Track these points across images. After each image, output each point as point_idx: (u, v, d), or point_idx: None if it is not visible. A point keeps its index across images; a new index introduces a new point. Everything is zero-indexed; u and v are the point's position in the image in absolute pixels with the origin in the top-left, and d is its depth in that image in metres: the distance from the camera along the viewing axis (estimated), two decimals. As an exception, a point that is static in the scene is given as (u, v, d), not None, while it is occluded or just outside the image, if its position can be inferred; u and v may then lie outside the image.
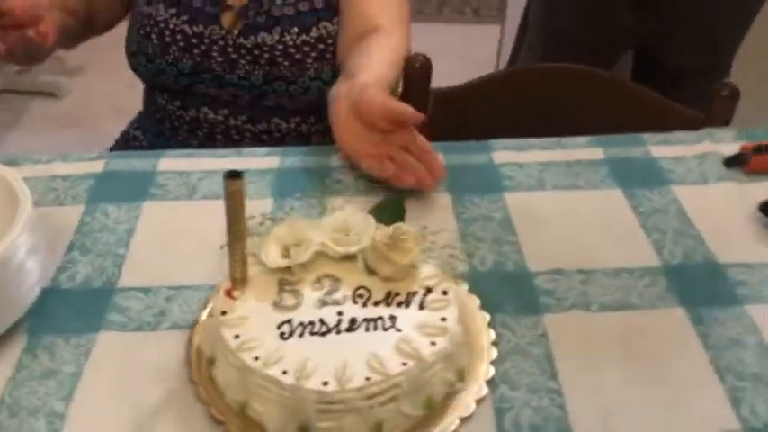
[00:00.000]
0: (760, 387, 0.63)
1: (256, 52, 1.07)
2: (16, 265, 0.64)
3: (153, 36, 1.09)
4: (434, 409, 0.60)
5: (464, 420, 0.60)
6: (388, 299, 0.64)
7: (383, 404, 0.57)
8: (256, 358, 0.57)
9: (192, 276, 0.73)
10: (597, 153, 0.93)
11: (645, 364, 0.66)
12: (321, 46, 1.07)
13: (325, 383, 0.55)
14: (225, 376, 0.60)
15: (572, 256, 0.77)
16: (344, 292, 0.64)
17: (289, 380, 0.55)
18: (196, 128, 1.15)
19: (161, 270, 0.74)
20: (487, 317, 0.69)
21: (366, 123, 0.83)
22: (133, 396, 0.62)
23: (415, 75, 1.10)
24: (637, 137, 0.95)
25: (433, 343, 0.60)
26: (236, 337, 0.59)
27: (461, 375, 0.63)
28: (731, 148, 0.92)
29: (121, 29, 1.17)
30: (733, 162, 0.90)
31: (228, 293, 0.62)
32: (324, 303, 0.62)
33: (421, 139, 0.83)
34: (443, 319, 0.62)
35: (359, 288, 0.64)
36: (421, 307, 0.63)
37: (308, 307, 0.62)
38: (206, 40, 1.09)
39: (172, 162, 0.91)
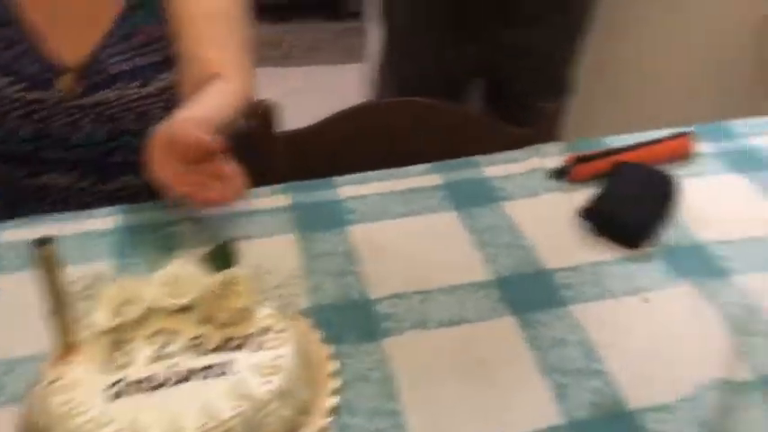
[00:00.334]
0: (582, 380, 0.68)
1: (98, 110, 1.07)
2: None
3: (-10, 106, 1.07)
4: (276, 447, 0.61)
5: (306, 453, 0.62)
6: (224, 345, 0.65)
7: (220, 449, 0.57)
8: (88, 422, 0.57)
9: (27, 347, 0.72)
10: (435, 179, 0.98)
11: (478, 374, 0.69)
12: (165, 96, 1.08)
13: (158, 438, 0.56)
14: (59, 445, 0.59)
15: (411, 279, 0.81)
16: (179, 344, 0.65)
17: (120, 440, 0.56)
18: (46, 195, 1.13)
19: (-2, 345, 0.73)
20: (330, 348, 0.72)
21: (179, 154, 0.84)
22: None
23: (259, 120, 1.13)
24: (471, 160, 1.01)
25: (268, 382, 0.61)
26: (66, 403, 0.58)
27: (305, 409, 0.65)
28: (557, 161, 0.99)
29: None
30: (557, 174, 0.97)
31: (58, 360, 0.62)
32: (157, 359, 0.63)
33: (227, 167, 0.84)
34: (279, 358, 0.64)
35: (194, 338, 0.65)
36: (257, 348, 0.65)
37: (140, 365, 0.62)
38: (45, 105, 1.08)
39: (11, 233, 0.90)
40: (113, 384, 0.60)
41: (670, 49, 1.91)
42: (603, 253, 0.84)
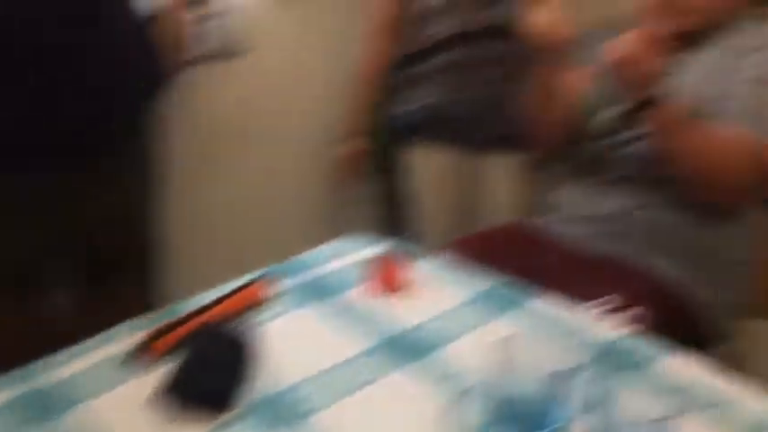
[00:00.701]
0: None
1: None
2: None
3: None
4: None
5: None
6: None
7: None
8: None
9: None
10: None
11: None
12: None
13: None
14: None
15: None
16: None
17: None
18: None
19: None
20: None
21: None
22: None
23: None
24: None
25: None
26: None
27: None
28: (131, 343, 0.94)
29: None
30: (133, 356, 0.92)
31: None
32: None
33: None
34: None
35: None
36: None
37: None
38: None
39: None
40: None
41: (248, 190, 2.03)
42: (193, 428, 0.81)
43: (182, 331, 0.96)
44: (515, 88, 1.62)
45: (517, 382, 0.76)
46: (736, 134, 1.34)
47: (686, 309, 1.41)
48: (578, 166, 1.56)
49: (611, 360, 0.93)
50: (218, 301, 1.04)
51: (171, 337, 0.95)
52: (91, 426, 0.81)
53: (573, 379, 0.78)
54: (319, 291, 1.09)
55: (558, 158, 1.62)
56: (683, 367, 0.92)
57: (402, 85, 1.84)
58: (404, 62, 1.81)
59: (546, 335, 1.01)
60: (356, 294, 1.08)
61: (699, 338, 1.39)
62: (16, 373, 0.89)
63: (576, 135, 1.54)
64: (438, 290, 1.10)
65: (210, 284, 1.08)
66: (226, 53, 1.84)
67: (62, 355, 0.93)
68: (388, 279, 1.10)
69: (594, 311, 1.00)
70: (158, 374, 0.88)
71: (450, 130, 1.84)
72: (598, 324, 0.98)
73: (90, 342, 0.96)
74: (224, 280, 1.08)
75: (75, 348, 0.94)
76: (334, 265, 1.17)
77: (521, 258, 1.40)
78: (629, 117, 1.44)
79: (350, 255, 1.20)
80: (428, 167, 2.09)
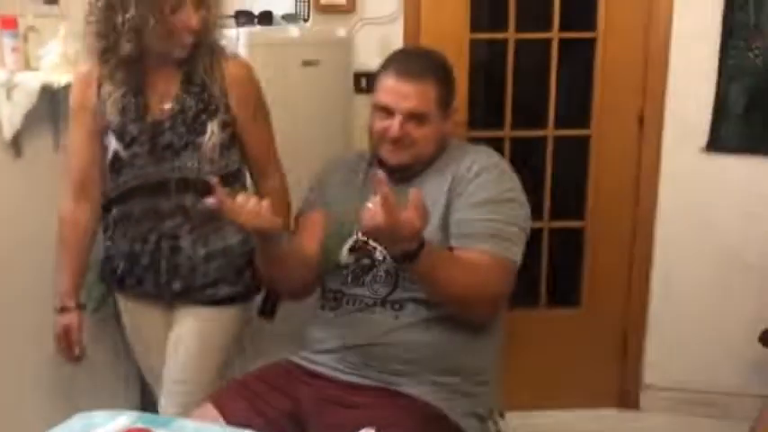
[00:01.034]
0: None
1: None
2: None
3: None
4: None
5: None
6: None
7: None
8: None
9: None
10: None
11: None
12: None
13: None
14: None
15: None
16: None
17: None
18: None
19: None
20: None
21: None
22: None
23: None
24: None
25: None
26: None
27: None
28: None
29: None
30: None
31: None
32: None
33: None
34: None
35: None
36: None
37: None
38: None
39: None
40: None
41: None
42: None
43: None
44: (200, 240, 1.66)
45: None
46: (479, 254, 1.52)
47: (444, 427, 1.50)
48: (325, 299, 1.66)
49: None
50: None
51: None
52: None
53: None
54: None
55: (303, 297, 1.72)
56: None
57: (105, 231, 1.75)
58: (104, 209, 1.73)
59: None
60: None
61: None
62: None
63: (320, 272, 1.66)
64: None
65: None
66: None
67: None
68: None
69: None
70: None
71: (139, 280, 1.72)
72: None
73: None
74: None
75: None
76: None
77: (287, 395, 1.51)
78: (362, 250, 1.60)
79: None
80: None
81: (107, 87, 1.62)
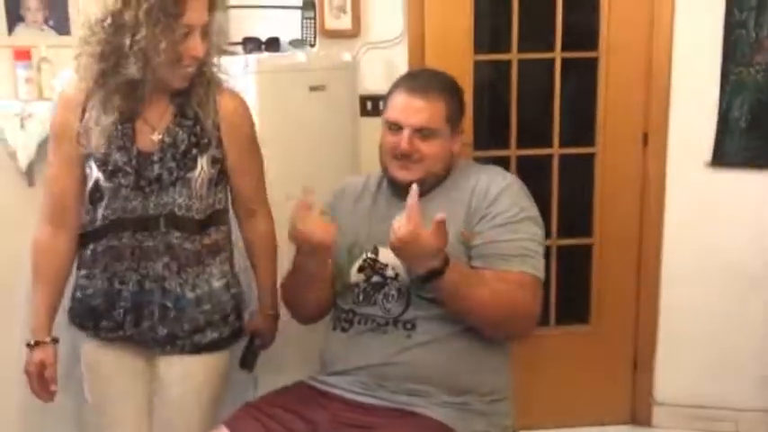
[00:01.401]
0: None
1: None
2: None
3: None
4: None
5: None
6: None
7: None
8: None
9: None
10: None
11: None
12: None
13: None
14: None
15: None
16: None
17: None
18: None
19: None
20: None
21: None
22: None
23: None
24: None
25: None
26: None
27: None
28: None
29: None
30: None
31: None
32: None
33: None
34: None
35: None
36: None
37: None
38: None
39: None
40: None
41: None
42: None
43: None
44: (188, 283, 1.56)
45: None
46: (507, 274, 1.53)
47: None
48: (337, 320, 1.67)
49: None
50: None
51: None
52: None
53: None
54: None
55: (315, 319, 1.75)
56: None
57: (79, 268, 1.63)
58: (80, 243, 1.61)
59: None
60: None
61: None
62: None
63: (333, 293, 1.69)
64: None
65: None
66: None
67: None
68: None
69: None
70: None
71: (118, 324, 1.58)
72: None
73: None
74: None
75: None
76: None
77: (303, 418, 1.53)
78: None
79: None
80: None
81: (94, 113, 1.52)
